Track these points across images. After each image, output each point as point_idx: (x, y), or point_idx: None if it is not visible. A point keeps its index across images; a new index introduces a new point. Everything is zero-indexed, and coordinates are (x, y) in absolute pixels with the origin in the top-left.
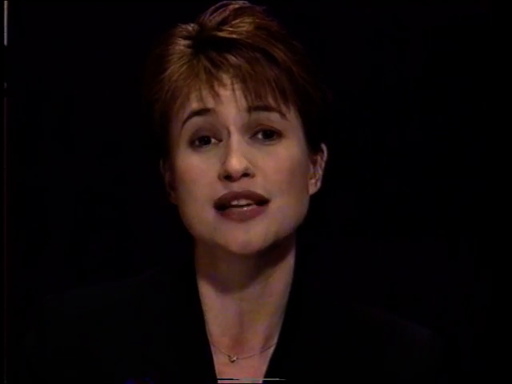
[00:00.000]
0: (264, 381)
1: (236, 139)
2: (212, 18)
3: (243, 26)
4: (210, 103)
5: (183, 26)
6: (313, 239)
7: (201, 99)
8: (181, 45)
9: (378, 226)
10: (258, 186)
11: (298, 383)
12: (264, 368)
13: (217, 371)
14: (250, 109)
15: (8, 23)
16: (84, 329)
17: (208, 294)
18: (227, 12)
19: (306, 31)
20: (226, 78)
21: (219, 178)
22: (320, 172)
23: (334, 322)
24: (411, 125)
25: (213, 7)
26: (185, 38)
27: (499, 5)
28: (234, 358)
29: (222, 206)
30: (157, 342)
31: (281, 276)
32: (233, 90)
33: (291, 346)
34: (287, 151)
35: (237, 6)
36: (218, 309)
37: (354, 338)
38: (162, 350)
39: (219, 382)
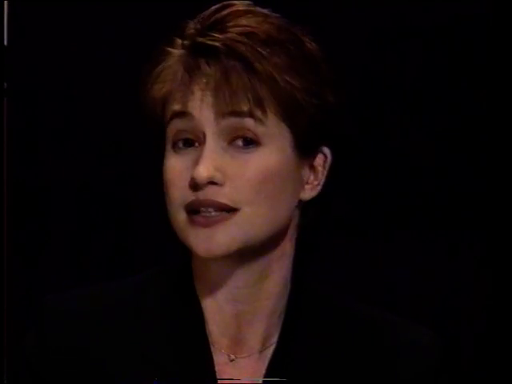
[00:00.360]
0: (264, 380)
1: (209, 145)
2: (206, 20)
3: (231, 32)
4: (184, 107)
5: (188, 24)
6: (313, 239)
7: (177, 102)
8: (177, 44)
9: (378, 226)
10: (223, 195)
11: (298, 383)
12: (263, 367)
13: (216, 371)
14: (222, 115)
15: (8, 23)
16: (84, 328)
17: (205, 295)
18: (222, 14)
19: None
20: (196, 87)
21: (189, 181)
22: (321, 176)
23: (333, 321)
24: (411, 124)
25: (215, 6)
26: (181, 36)
27: (499, 5)
28: (233, 358)
29: (192, 211)
30: (156, 341)
31: (276, 278)
32: (202, 98)
33: (291, 345)
34: (262, 160)
35: (236, 8)
36: (215, 309)
37: (354, 337)
38: (162, 350)
39: (219, 381)
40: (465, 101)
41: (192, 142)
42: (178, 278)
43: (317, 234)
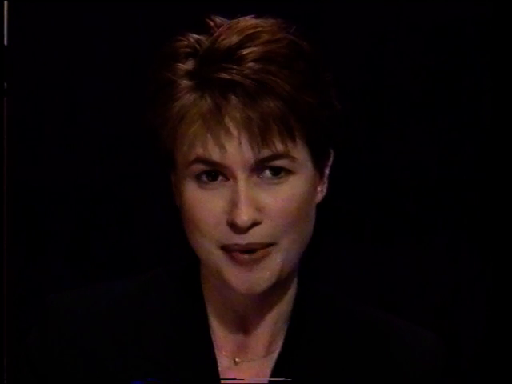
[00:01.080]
0: (269, 381)
1: (243, 187)
2: (214, 47)
3: (248, 60)
4: (216, 156)
5: (186, 45)
6: (317, 241)
7: (206, 149)
8: (183, 73)
9: (377, 227)
10: (264, 233)
11: None
12: (268, 371)
13: (220, 374)
14: (260, 160)
15: (8, 23)
16: (87, 328)
17: (212, 300)
18: (234, 39)
19: (305, 32)
20: (232, 126)
21: (227, 222)
22: (326, 176)
23: (339, 325)
24: (411, 125)
25: (220, 32)
26: (188, 58)
27: (499, 5)
28: (238, 362)
29: (228, 250)
30: (161, 343)
31: (285, 288)
32: (239, 141)
33: (296, 350)
34: (294, 189)
35: (245, 32)
36: (221, 314)
37: (359, 341)
38: (166, 352)
39: (222, 381)
40: (465, 101)
41: (216, 175)
42: (185, 280)
43: (320, 236)
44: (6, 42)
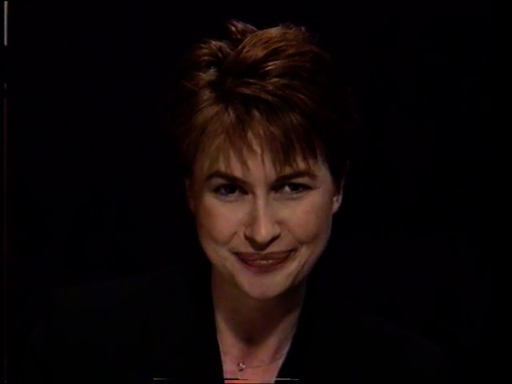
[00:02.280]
0: (276, 381)
1: (263, 203)
2: (243, 57)
3: (272, 75)
4: (238, 172)
5: (208, 53)
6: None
7: (229, 164)
8: (204, 84)
9: (376, 226)
10: (282, 244)
11: None
12: (272, 379)
13: (224, 379)
14: (281, 177)
15: (8, 23)
16: (93, 324)
17: (221, 305)
18: (260, 53)
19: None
20: (255, 143)
21: (244, 234)
22: (342, 186)
23: (345, 334)
24: (410, 124)
25: (247, 39)
26: (210, 67)
27: (499, 5)
28: (243, 367)
29: (243, 257)
30: (167, 344)
31: (295, 296)
32: (262, 158)
33: (302, 357)
34: (313, 204)
35: (272, 45)
36: (229, 320)
37: (366, 350)
38: (171, 353)
39: (227, 381)
40: (464, 100)
41: (234, 188)
42: (195, 283)
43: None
44: (6, 42)
